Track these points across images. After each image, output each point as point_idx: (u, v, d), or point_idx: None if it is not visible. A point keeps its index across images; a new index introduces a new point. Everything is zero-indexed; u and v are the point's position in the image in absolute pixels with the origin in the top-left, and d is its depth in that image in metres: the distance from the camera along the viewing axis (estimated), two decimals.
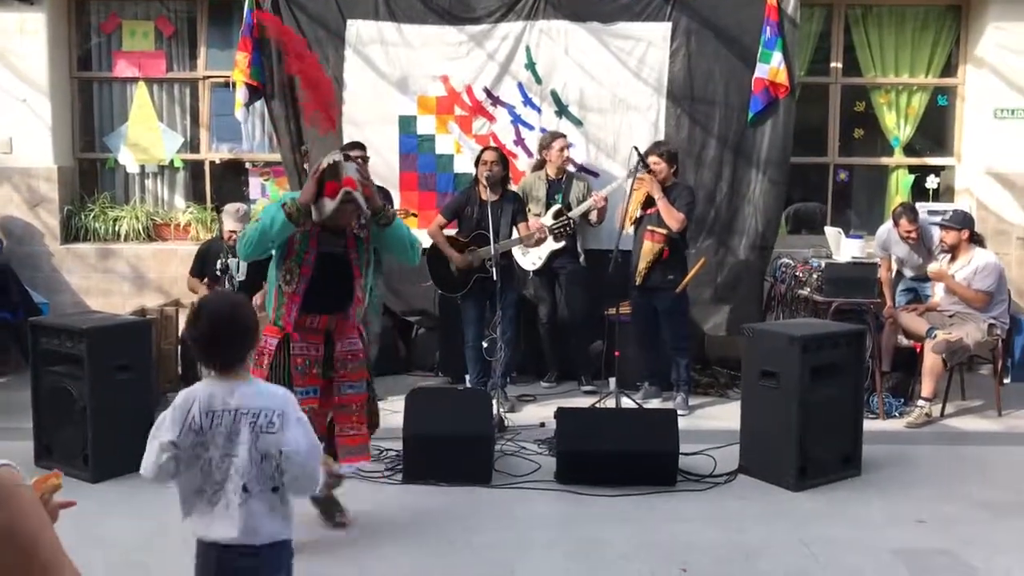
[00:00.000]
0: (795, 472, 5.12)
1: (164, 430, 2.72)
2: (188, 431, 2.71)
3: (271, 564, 2.77)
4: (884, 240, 7.11)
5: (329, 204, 4.13)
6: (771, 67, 7.23)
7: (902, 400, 6.69)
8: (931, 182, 8.22)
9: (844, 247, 7.01)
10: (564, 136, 7.16)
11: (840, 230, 7.33)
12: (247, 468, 2.69)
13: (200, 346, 2.76)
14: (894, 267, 7.30)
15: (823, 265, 6.76)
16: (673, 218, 6.50)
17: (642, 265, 6.56)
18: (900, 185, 8.33)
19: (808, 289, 6.83)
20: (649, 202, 6.60)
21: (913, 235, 6.86)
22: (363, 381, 4.49)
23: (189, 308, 2.79)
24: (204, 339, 2.74)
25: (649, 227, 6.52)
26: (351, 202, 4.15)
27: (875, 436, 5.81)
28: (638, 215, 6.64)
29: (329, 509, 4.52)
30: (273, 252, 4.34)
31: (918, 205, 7.28)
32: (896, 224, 6.89)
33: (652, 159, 6.56)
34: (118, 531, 4.47)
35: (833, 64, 8.21)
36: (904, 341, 6.87)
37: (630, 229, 6.67)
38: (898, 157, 8.34)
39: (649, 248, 6.53)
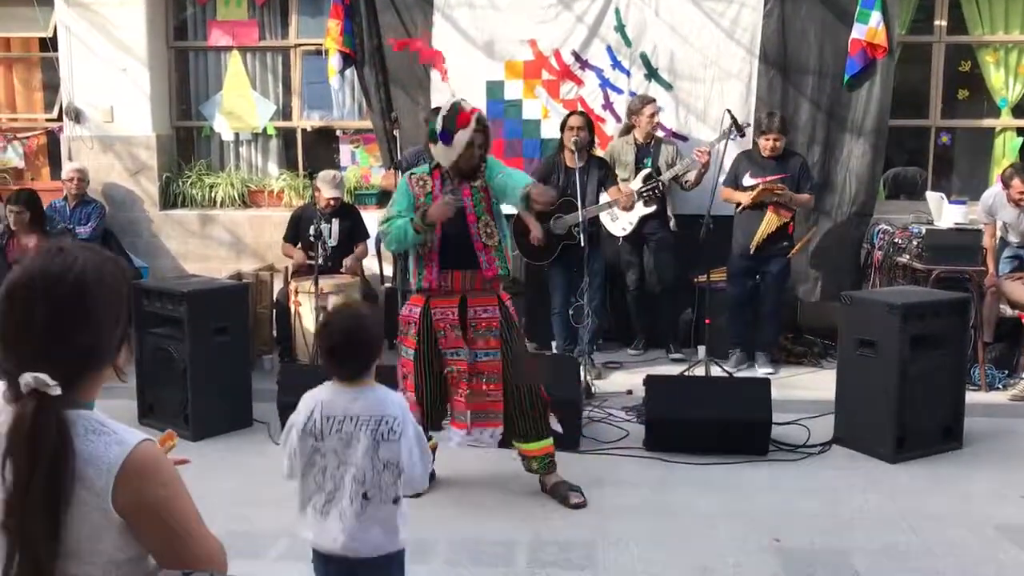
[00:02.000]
0: (892, 443, 4.99)
1: (293, 432, 2.78)
2: (307, 435, 2.73)
3: (391, 571, 2.78)
4: (990, 205, 6.81)
5: (463, 135, 4.30)
6: (869, 27, 6.97)
7: (1006, 372, 6.43)
8: None
9: (946, 213, 6.74)
10: (654, 101, 7.04)
11: (942, 195, 7.06)
12: (367, 476, 2.68)
13: (327, 358, 2.82)
14: (998, 234, 6.99)
15: (924, 231, 6.53)
16: (806, 204, 6.75)
17: (761, 237, 6.50)
18: (1007, 148, 7.96)
19: (907, 256, 6.60)
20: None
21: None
22: (496, 351, 4.47)
23: (320, 314, 2.89)
24: (331, 352, 2.79)
25: (776, 201, 6.47)
26: (482, 130, 4.36)
27: (977, 408, 5.62)
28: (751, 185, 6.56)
29: (558, 491, 4.55)
30: None
31: None
32: (1007, 186, 6.59)
33: (773, 135, 6.53)
34: (219, 487, 4.62)
35: (937, 22, 7.85)
36: (1008, 311, 6.59)
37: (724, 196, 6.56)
38: (1005, 119, 7.96)
39: (775, 220, 6.51)
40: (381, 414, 2.70)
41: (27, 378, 1.47)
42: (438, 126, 4.36)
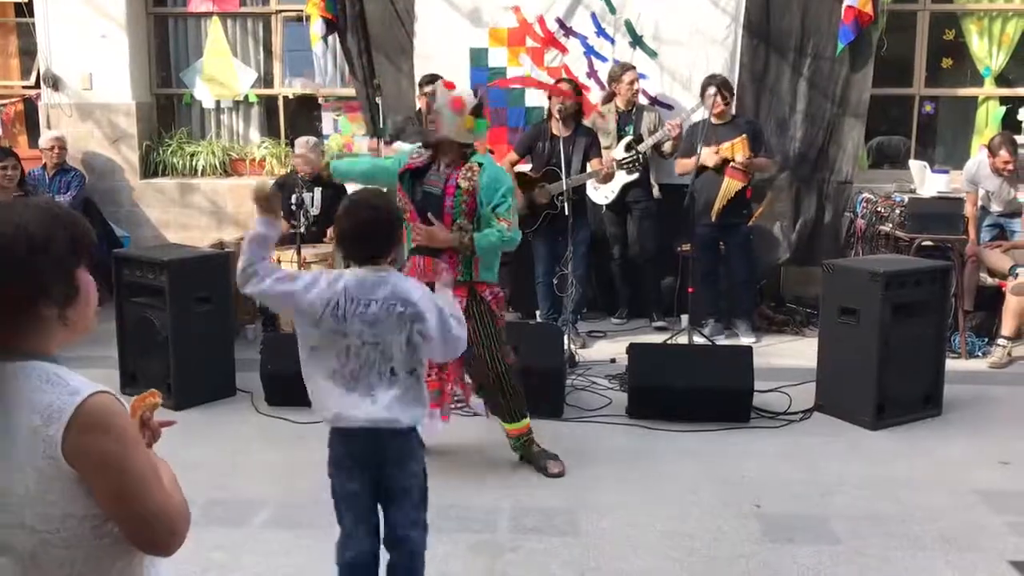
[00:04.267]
0: (873, 410, 5.03)
1: (301, 282, 2.86)
2: (330, 315, 2.83)
3: (414, 444, 2.93)
4: (974, 173, 6.83)
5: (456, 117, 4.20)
6: None
7: (985, 340, 6.49)
8: (1023, 114, 7.85)
9: (929, 181, 6.77)
10: (634, 68, 7.00)
11: (925, 164, 7.08)
12: (395, 354, 2.83)
13: (350, 241, 2.90)
14: (980, 202, 7.02)
15: (906, 200, 6.55)
16: (765, 168, 6.72)
17: (722, 203, 6.47)
18: (990, 117, 7.97)
19: (890, 225, 6.63)
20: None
21: (1011, 167, 6.58)
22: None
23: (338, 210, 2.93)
24: (353, 235, 2.88)
25: (733, 165, 6.41)
26: (480, 107, 4.28)
27: (957, 376, 5.66)
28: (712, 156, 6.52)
29: (537, 461, 4.54)
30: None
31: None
32: (994, 155, 6.60)
33: (711, 90, 6.46)
34: (203, 456, 4.62)
35: None
36: (988, 279, 6.65)
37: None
38: (988, 88, 7.97)
39: (733, 186, 6.45)
40: (405, 297, 2.84)
41: None
42: (442, 101, 4.23)
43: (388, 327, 2.82)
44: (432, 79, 6.67)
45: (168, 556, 1.59)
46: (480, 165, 4.28)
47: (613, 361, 6.10)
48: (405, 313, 2.83)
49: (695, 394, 5.06)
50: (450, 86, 4.35)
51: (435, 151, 4.35)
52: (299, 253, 6.23)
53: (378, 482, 2.91)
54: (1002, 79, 8.00)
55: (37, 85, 8.28)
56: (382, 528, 2.97)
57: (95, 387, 1.52)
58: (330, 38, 7.65)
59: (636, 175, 6.84)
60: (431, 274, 4.08)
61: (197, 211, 8.18)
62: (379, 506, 2.96)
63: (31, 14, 8.10)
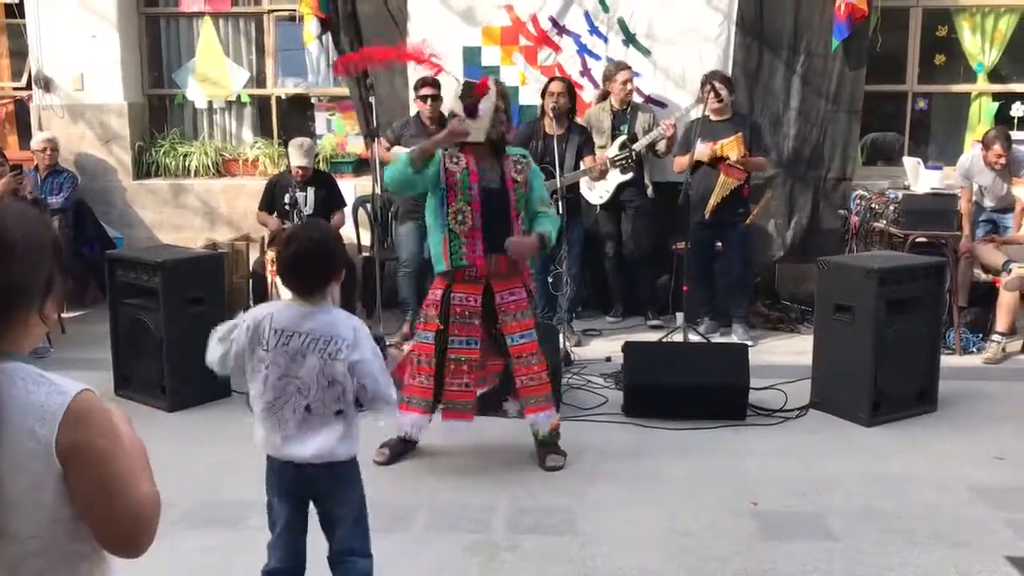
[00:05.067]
0: (868, 407, 5.03)
1: (232, 330, 2.90)
2: (256, 344, 2.83)
3: (342, 475, 2.89)
4: (967, 168, 6.84)
5: (487, 103, 4.25)
6: None
7: (980, 335, 6.50)
8: (1017, 110, 7.85)
9: (923, 178, 6.77)
10: (628, 68, 6.98)
11: (919, 160, 7.08)
12: (311, 391, 2.79)
13: (286, 270, 2.85)
14: (973, 198, 7.02)
15: (900, 196, 6.56)
16: (762, 167, 6.71)
17: (717, 199, 6.46)
18: (983, 114, 7.99)
19: (884, 221, 6.64)
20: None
21: (1003, 161, 6.59)
22: (531, 330, 4.49)
23: (277, 237, 2.93)
24: (290, 264, 2.83)
25: (729, 163, 6.39)
26: (504, 95, 4.35)
27: (952, 372, 5.67)
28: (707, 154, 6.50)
29: (542, 454, 4.55)
30: (430, 196, 4.36)
31: None
32: (987, 148, 6.61)
33: (719, 86, 6.42)
34: (197, 458, 4.60)
35: None
36: (982, 275, 6.65)
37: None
38: (981, 84, 7.98)
39: (728, 184, 6.43)
40: (331, 334, 2.78)
41: None
42: (457, 105, 4.28)
43: (308, 363, 2.77)
44: (428, 82, 6.67)
45: (138, 556, 1.58)
46: (524, 156, 4.49)
47: (608, 359, 6.10)
48: (327, 350, 2.77)
49: (691, 392, 5.06)
50: (485, 83, 4.35)
51: (466, 149, 4.35)
52: None
53: (308, 506, 2.95)
54: (995, 75, 8.01)
55: (28, 86, 8.25)
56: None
57: (80, 385, 1.54)
58: (324, 37, 7.63)
59: (630, 174, 6.83)
60: (505, 271, 4.35)
61: (190, 212, 8.16)
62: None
63: (22, 15, 8.07)
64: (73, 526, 1.54)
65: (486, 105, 4.26)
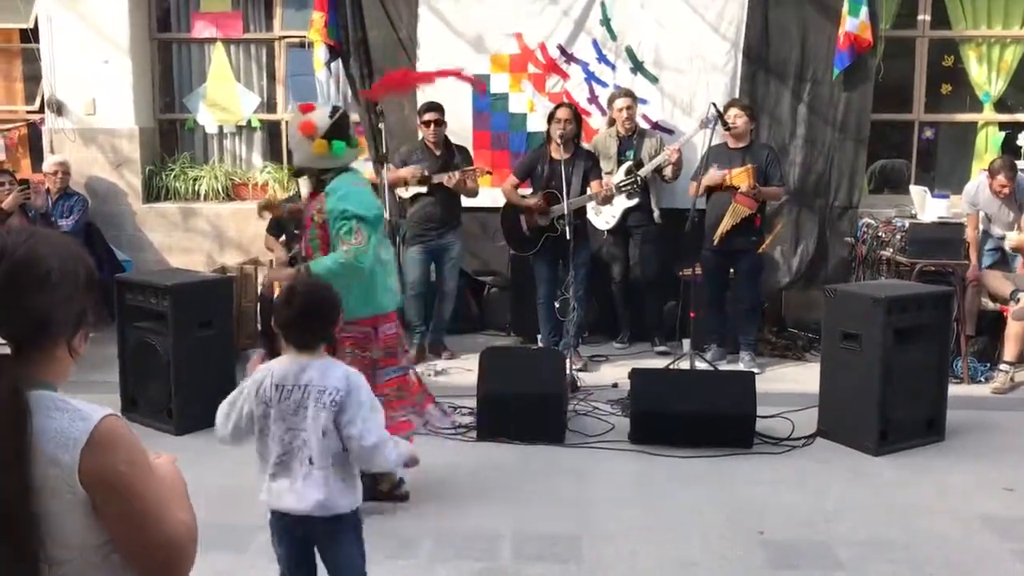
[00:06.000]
0: (876, 436, 5.01)
1: (238, 397, 2.95)
2: (259, 402, 2.89)
3: (345, 528, 2.94)
4: (973, 195, 6.85)
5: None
6: (860, 21, 6.99)
7: (988, 365, 6.48)
8: (1023, 139, 7.87)
9: (929, 207, 6.79)
10: (628, 95, 7.01)
11: (925, 189, 7.10)
12: (312, 442, 2.85)
13: (287, 328, 2.95)
14: (980, 226, 7.03)
15: (907, 225, 6.56)
16: (776, 196, 6.71)
17: (727, 226, 6.46)
18: (989, 143, 8.01)
19: (891, 250, 6.64)
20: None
21: (1007, 190, 6.60)
22: (396, 367, 4.32)
23: (280, 288, 3.03)
24: (289, 322, 2.94)
25: (742, 192, 6.41)
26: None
27: (960, 401, 5.64)
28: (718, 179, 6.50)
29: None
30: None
31: None
32: (993, 177, 6.63)
33: (733, 112, 6.48)
34: (202, 480, 4.57)
35: (921, 16, 7.88)
36: (990, 304, 6.65)
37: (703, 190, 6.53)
38: (988, 113, 8.01)
39: (740, 212, 6.43)
40: (324, 384, 2.86)
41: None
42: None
43: (308, 415, 2.84)
44: (432, 107, 6.73)
45: None
46: (327, 194, 4.08)
47: (615, 386, 6.09)
48: (322, 400, 2.84)
49: (698, 420, 5.05)
50: (306, 108, 4.18)
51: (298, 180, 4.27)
52: None
53: (315, 555, 3.02)
54: (1001, 105, 8.03)
55: (41, 110, 8.33)
56: None
57: (104, 410, 1.53)
58: (333, 64, 7.70)
59: (636, 199, 6.85)
60: None
61: (199, 235, 8.20)
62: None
63: (36, 40, 8.16)
64: (106, 552, 1.53)
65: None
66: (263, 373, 2.93)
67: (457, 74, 4.85)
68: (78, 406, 1.53)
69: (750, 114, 6.59)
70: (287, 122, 8.42)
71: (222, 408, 2.98)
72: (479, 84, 6.70)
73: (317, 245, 4.15)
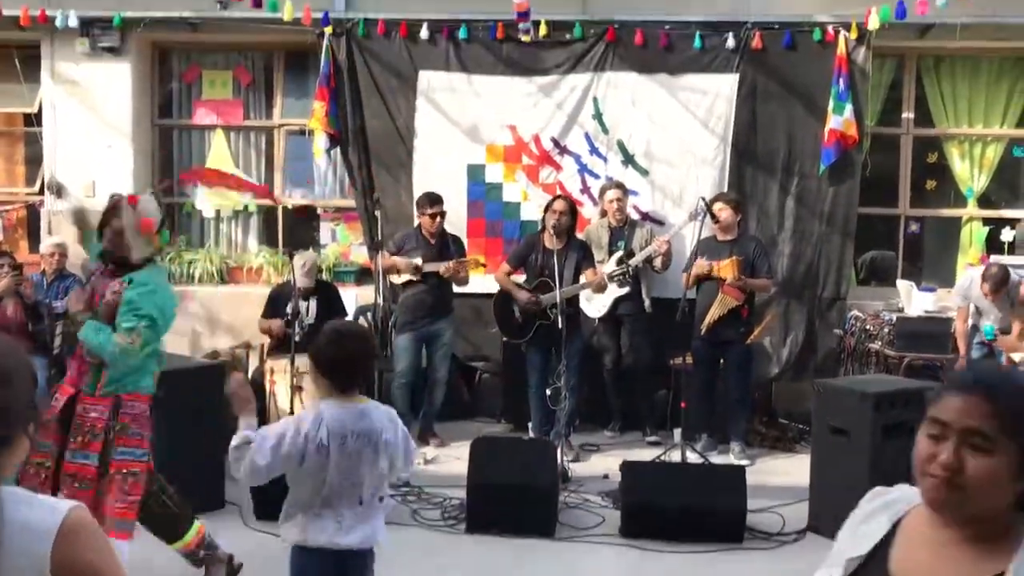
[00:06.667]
0: None
1: (277, 442, 2.92)
2: (314, 454, 2.91)
3: (366, 566, 3.08)
4: (966, 288, 6.91)
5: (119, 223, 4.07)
6: (844, 119, 7.20)
7: None
8: (1007, 235, 8.01)
9: (916, 300, 6.89)
10: (619, 187, 7.16)
11: (912, 283, 7.21)
12: (365, 483, 2.98)
13: (339, 369, 3.00)
14: (970, 320, 7.10)
15: (895, 319, 6.64)
16: (764, 289, 6.75)
17: (715, 316, 6.53)
18: (974, 237, 8.16)
19: (879, 343, 6.71)
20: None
21: (989, 298, 6.67)
22: (95, 454, 4.01)
23: (321, 333, 3.10)
24: (338, 363, 2.99)
25: (729, 283, 6.50)
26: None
27: None
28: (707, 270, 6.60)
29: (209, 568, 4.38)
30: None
31: (994, 258, 7.10)
32: (984, 280, 6.68)
33: (718, 205, 6.61)
34: (190, 569, 4.55)
35: (904, 115, 8.11)
36: None
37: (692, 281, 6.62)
38: (972, 209, 8.17)
39: (727, 303, 6.51)
40: (381, 427, 3.01)
41: None
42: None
43: (365, 459, 2.97)
44: (437, 200, 6.84)
45: None
46: (130, 282, 4.02)
47: (606, 477, 6.07)
48: (379, 444, 2.99)
49: (689, 514, 5.03)
50: (133, 200, 4.13)
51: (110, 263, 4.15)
52: (292, 363, 6.25)
53: None
54: (985, 200, 8.21)
55: (41, 192, 8.43)
56: None
57: (71, 503, 1.60)
58: (332, 151, 7.86)
59: (627, 288, 6.94)
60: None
61: (192, 318, 8.22)
62: None
63: (39, 124, 8.31)
64: None
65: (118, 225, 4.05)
66: (312, 420, 2.94)
67: None
68: (44, 499, 1.61)
69: (735, 207, 6.72)
70: (284, 207, 8.56)
71: (234, 451, 2.94)
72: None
73: (99, 315, 4.05)
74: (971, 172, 8.13)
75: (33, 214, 8.68)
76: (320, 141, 7.68)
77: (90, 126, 8.22)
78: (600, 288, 6.69)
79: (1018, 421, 1.49)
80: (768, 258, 6.83)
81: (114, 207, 4.11)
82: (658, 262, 6.96)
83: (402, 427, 3.12)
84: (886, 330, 6.67)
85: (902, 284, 7.28)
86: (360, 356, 3.05)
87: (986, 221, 8.17)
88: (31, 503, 1.57)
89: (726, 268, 6.51)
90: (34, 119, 8.42)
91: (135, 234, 4.05)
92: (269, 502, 5.18)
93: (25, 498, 1.58)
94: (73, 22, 7.70)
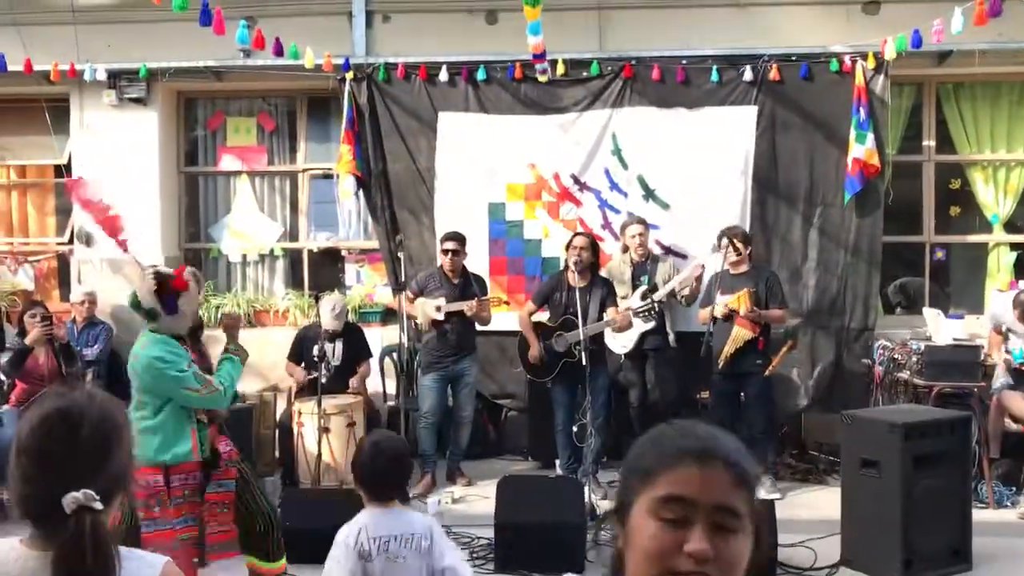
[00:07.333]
0: (900, 566, 4.92)
1: (341, 560, 3.08)
2: (358, 558, 3.05)
3: None
4: (1000, 314, 6.83)
5: (185, 298, 4.33)
6: (866, 148, 7.19)
7: (1013, 488, 6.38)
8: None
9: (944, 328, 6.81)
10: (639, 222, 7.18)
11: (939, 312, 7.13)
12: None
13: (372, 482, 3.17)
14: (1004, 346, 6.97)
15: (923, 348, 6.57)
16: (779, 320, 6.69)
17: (730, 350, 6.50)
18: (1000, 263, 8.08)
19: (908, 372, 6.64)
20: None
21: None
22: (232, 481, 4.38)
23: (358, 442, 3.44)
24: (376, 476, 3.16)
25: (742, 315, 6.48)
26: (198, 280, 4.57)
27: (986, 527, 5.54)
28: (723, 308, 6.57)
29: None
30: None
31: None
32: (1015, 306, 6.59)
33: (725, 241, 6.61)
34: None
35: (925, 142, 8.08)
36: (1012, 425, 6.58)
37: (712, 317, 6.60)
38: (998, 234, 8.11)
39: (742, 336, 6.48)
40: (416, 531, 3.11)
41: (75, 495, 1.59)
42: (153, 301, 4.18)
43: (408, 563, 3.06)
44: (452, 237, 6.88)
45: None
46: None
47: None
48: (421, 547, 3.08)
49: None
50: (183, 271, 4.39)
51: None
52: (319, 405, 6.28)
53: None
54: (1011, 225, 8.13)
55: (71, 242, 8.58)
56: None
57: (163, 558, 1.75)
58: (358, 193, 7.95)
59: (652, 323, 6.92)
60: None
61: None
62: None
63: (69, 174, 8.48)
64: None
65: (185, 299, 4.24)
66: (355, 531, 3.08)
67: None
68: (139, 553, 1.75)
69: (743, 240, 6.71)
70: (309, 251, 8.65)
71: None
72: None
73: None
74: (996, 197, 8.07)
75: (63, 263, 8.83)
76: (347, 184, 7.78)
77: (118, 175, 8.35)
78: (624, 327, 6.67)
79: (752, 491, 1.28)
80: (780, 288, 6.78)
81: (188, 283, 4.30)
82: (686, 291, 6.95)
83: (437, 529, 3.21)
84: (914, 359, 6.59)
85: (929, 312, 7.20)
86: (395, 470, 3.19)
87: (1013, 246, 8.09)
88: (131, 557, 1.71)
89: (740, 300, 6.50)
90: (64, 170, 8.59)
91: (192, 297, 4.43)
92: (299, 545, 5.20)
93: (126, 553, 1.71)
94: (101, 75, 7.88)
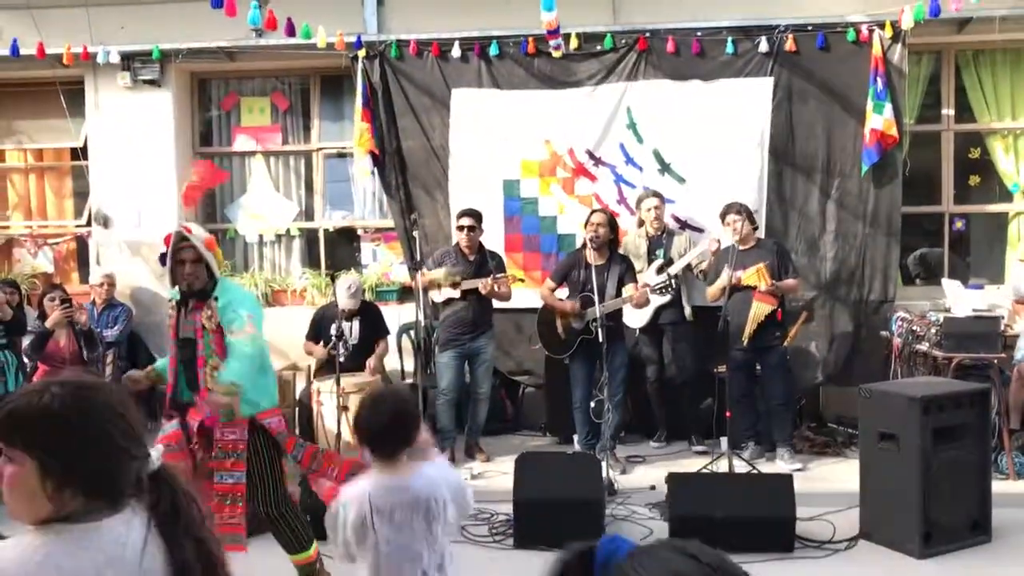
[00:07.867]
0: (919, 538, 4.92)
1: (345, 526, 2.89)
2: (363, 527, 2.86)
3: None
4: (1020, 284, 6.79)
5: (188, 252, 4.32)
6: (884, 118, 7.11)
7: None
8: None
9: (964, 299, 6.75)
10: (655, 195, 7.15)
11: (959, 283, 7.07)
12: (424, 557, 2.88)
13: (373, 437, 2.91)
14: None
15: (942, 319, 6.53)
16: (793, 289, 6.68)
17: (752, 327, 6.49)
18: (1021, 232, 8.00)
19: (927, 344, 6.60)
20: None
21: None
22: (241, 473, 4.31)
23: (362, 396, 3.13)
24: (379, 431, 2.90)
25: (762, 290, 6.46)
26: (191, 246, 4.28)
27: (1006, 499, 5.53)
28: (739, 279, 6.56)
29: None
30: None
31: None
32: None
33: (731, 216, 6.58)
34: None
35: (944, 111, 7.99)
36: None
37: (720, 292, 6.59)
38: (1018, 203, 8.01)
39: (762, 310, 6.47)
40: (429, 494, 2.88)
41: (155, 454, 1.70)
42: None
43: (415, 531, 2.87)
44: (468, 213, 6.88)
45: None
46: (216, 298, 4.27)
47: (653, 488, 6.05)
48: (435, 512, 2.88)
49: (738, 524, 4.99)
50: (187, 230, 4.36)
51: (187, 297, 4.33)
52: (338, 384, 6.32)
53: None
54: None
55: (89, 224, 8.63)
56: None
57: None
58: (375, 171, 7.95)
59: (669, 296, 6.90)
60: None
61: None
62: None
63: (86, 157, 8.52)
64: None
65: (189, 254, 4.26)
66: (357, 498, 2.88)
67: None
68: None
69: (747, 216, 6.67)
70: (325, 230, 8.67)
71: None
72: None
73: (212, 351, 4.26)
74: (1016, 166, 7.97)
75: (82, 245, 8.89)
76: (364, 162, 7.77)
77: (134, 157, 8.39)
78: (642, 303, 6.66)
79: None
80: (790, 258, 6.78)
81: (181, 241, 4.29)
82: (704, 264, 6.93)
83: (454, 478, 3.05)
84: (933, 331, 6.54)
85: (948, 284, 7.14)
86: (398, 424, 2.90)
87: None
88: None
89: (752, 277, 6.48)
90: (80, 153, 8.63)
91: (209, 255, 4.31)
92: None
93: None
94: (114, 57, 7.89)
